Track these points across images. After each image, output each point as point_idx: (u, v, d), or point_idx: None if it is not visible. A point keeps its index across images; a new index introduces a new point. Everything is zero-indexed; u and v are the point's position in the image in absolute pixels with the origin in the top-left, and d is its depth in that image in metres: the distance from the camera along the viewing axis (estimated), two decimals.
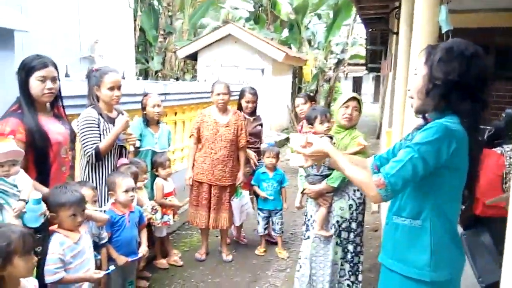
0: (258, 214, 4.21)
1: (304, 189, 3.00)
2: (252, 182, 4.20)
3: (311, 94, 4.41)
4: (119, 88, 2.82)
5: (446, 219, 1.49)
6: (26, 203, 1.91)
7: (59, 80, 2.27)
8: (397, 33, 5.88)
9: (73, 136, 2.39)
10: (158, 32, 14.50)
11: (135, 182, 2.93)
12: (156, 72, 14.55)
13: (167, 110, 4.66)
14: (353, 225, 2.85)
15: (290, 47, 15.97)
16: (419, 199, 1.50)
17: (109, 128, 2.80)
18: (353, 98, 2.85)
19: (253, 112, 4.32)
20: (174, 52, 13.72)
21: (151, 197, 3.63)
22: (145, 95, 3.64)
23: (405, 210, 1.53)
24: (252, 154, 4.21)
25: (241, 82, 7.90)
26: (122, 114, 3.01)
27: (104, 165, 2.81)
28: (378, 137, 11.49)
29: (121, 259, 2.58)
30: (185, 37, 14.80)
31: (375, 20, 7.65)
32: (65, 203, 2.05)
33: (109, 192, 2.69)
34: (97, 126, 2.73)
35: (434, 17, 2.49)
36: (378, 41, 10.68)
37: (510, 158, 2.20)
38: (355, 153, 2.76)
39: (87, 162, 2.73)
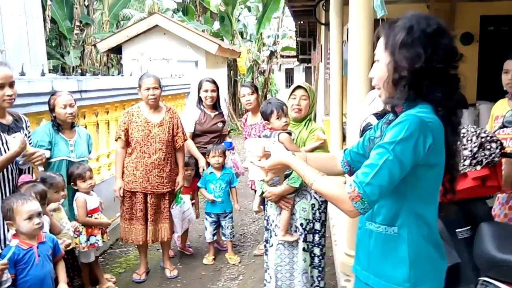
0: (206, 219, 3.80)
1: (263, 192, 2.69)
2: (198, 184, 3.79)
3: (255, 85, 4.01)
4: (11, 85, 2.18)
5: (424, 223, 1.32)
6: None
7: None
8: (326, 24, 5.92)
9: None
10: (73, 23, 13.14)
11: (44, 204, 2.32)
12: (75, 67, 13.22)
13: (85, 110, 3.97)
14: (317, 225, 2.65)
15: (222, 39, 15.61)
16: (393, 202, 1.32)
17: (1, 138, 2.14)
18: (299, 87, 2.67)
19: (214, 107, 3.87)
20: (94, 45, 12.54)
21: (72, 217, 3.00)
22: (53, 94, 2.98)
23: (379, 216, 1.34)
24: (201, 158, 3.75)
25: (173, 75, 7.28)
26: (20, 120, 2.35)
27: (0, 187, 2.15)
28: None
29: None
30: (106, 29, 13.65)
31: (303, 12, 7.80)
32: None
33: (7, 223, 2.05)
34: None
35: (369, 2, 2.40)
36: (307, 32, 10.87)
37: None
38: (315, 149, 2.55)
39: None
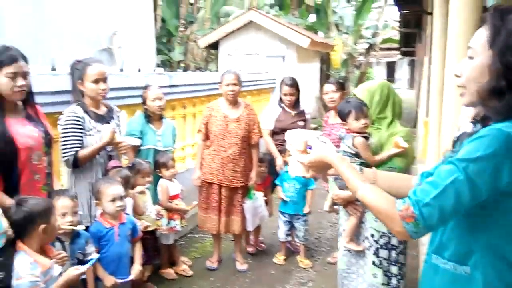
0: (279, 217, 3.77)
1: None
2: (276, 182, 3.77)
3: (341, 81, 3.84)
4: (105, 80, 2.47)
5: (507, 267, 1.05)
6: None
7: (29, 75, 1.95)
8: (431, 14, 5.35)
9: (48, 139, 2.06)
10: (179, 21, 14.20)
11: (127, 188, 2.59)
12: (179, 62, 14.31)
13: (174, 103, 4.31)
14: (394, 241, 2.33)
15: (316, 33, 15.36)
16: (467, 236, 1.08)
17: (96, 127, 2.46)
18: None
19: (295, 106, 3.85)
20: (196, 41, 13.40)
21: (156, 200, 3.29)
22: (145, 88, 3.28)
23: (448, 249, 1.11)
24: (278, 157, 3.71)
25: (260, 71, 7.45)
26: (112, 111, 2.66)
27: (92, 170, 2.48)
28: (414, 126, 10.85)
29: (109, 279, 2.25)
30: (207, 26, 14.45)
31: (408, 1, 7.09)
32: (32, 215, 1.72)
33: (95, 202, 2.35)
34: (81, 126, 2.40)
35: None
36: (412, 23, 10.01)
37: None
38: (393, 156, 2.30)
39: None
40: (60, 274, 1.81)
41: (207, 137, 3.52)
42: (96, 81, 2.42)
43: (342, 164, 1.23)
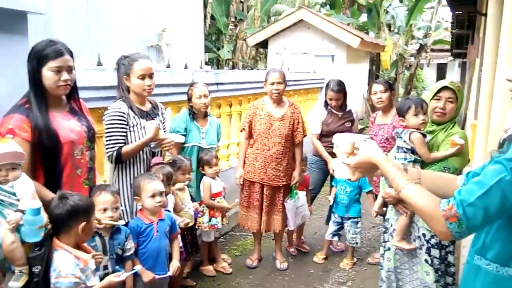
0: (330, 217, 3.77)
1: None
2: (332, 183, 3.76)
3: (390, 82, 3.70)
4: (151, 76, 2.47)
5: None
6: (24, 213, 1.63)
7: (74, 69, 1.96)
8: (485, 15, 5.10)
9: (91, 133, 2.08)
10: (229, 19, 14.32)
11: (169, 184, 2.60)
12: (227, 60, 14.44)
13: (220, 101, 4.31)
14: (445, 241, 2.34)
15: (367, 33, 14.94)
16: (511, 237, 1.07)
17: (140, 123, 2.48)
18: (446, 88, 2.34)
19: (341, 107, 3.79)
20: (245, 40, 13.46)
21: (198, 198, 3.30)
22: (191, 85, 3.29)
23: (492, 251, 1.12)
24: (330, 159, 3.63)
25: (308, 70, 7.30)
26: (157, 108, 2.67)
27: (135, 166, 2.50)
28: (462, 128, 10.28)
29: (147, 275, 2.26)
30: (257, 24, 14.47)
31: (463, 1, 6.87)
32: (75, 212, 1.74)
33: (134, 198, 2.37)
34: (125, 122, 2.43)
35: None
36: (465, 24, 9.57)
37: None
38: (450, 156, 2.28)
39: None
40: (97, 268, 1.83)
41: (250, 135, 3.49)
42: (142, 77, 2.44)
43: (387, 164, 1.23)
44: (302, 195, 3.63)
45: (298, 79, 6.25)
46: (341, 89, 3.71)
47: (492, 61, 3.80)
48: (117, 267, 2.11)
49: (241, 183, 3.53)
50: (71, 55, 1.94)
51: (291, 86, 5.53)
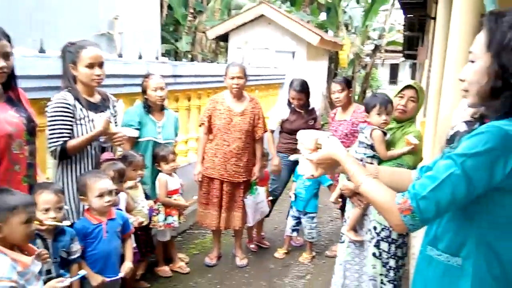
0: (289, 211, 3.80)
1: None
2: (293, 178, 3.78)
3: (348, 79, 3.75)
4: (100, 65, 2.29)
5: (497, 261, 1.09)
6: None
7: (12, 56, 1.76)
8: (434, 18, 5.41)
9: (31, 126, 1.88)
10: (187, 10, 13.97)
11: (121, 182, 2.43)
12: (185, 53, 14.10)
13: (178, 94, 4.14)
14: (394, 235, 2.41)
15: (326, 31, 15.19)
16: (461, 228, 1.12)
17: (88, 116, 2.29)
18: (409, 87, 2.48)
19: (304, 106, 3.77)
20: (204, 32, 13.21)
21: (154, 196, 3.14)
22: (146, 76, 3.11)
23: (443, 241, 1.16)
24: (276, 159, 3.70)
25: (268, 65, 7.26)
26: (108, 100, 2.48)
27: (82, 162, 2.31)
28: None
29: (95, 278, 2.10)
30: (217, 17, 14.23)
31: (414, 5, 7.28)
32: (14, 206, 1.55)
33: (80, 197, 2.19)
34: (70, 114, 2.23)
35: None
36: (416, 27, 10.12)
37: None
38: (404, 154, 2.38)
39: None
40: (40, 272, 1.66)
41: (210, 130, 3.39)
42: (91, 66, 2.24)
43: (348, 160, 1.27)
44: (261, 191, 3.60)
45: (259, 74, 6.19)
46: (303, 89, 3.70)
47: (440, 62, 3.99)
48: (62, 271, 1.94)
49: (200, 179, 3.41)
50: (9, 40, 1.75)
51: (252, 81, 5.47)
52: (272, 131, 3.79)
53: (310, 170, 1.39)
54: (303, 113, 3.76)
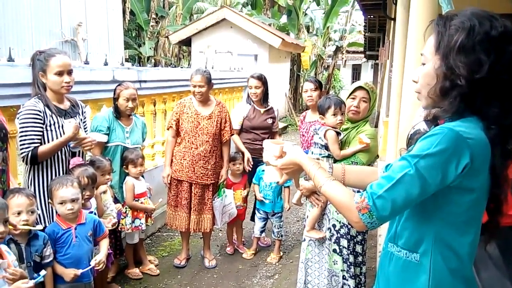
0: (255, 214, 3.85)
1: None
2: (253, 181, 3.80)
3: (320, 80, 3.89)
4: (69, 73, 2.34)
5: (453, 255, 1.14)
6: None
7: None
8: (394, 19, 5.56)
9: (3, 133, 1.91)
10: (149, 15, 13.86)
11: (93, 188, 2.48)
12: (149, 58, 13.98)
13: (144, 99, 4.19)
14: (353, 231, 2.48)
15: (288, 34, 15.49)
16: (418, 225, 1.16)
17: (57, 122, 2.33)
18: (361, 88, 2.53)
19: (263, 103, 3.85)
20: (167, 37, 13.16)
21: (122, 199, 3.19)
22: (120, 84, 3.14)
23: (401, 238, 1.20)
24: (247, 154, 3.74)
25: (232, 68, 7.40)
26: (77, 106, 2.53)
27: (53, 167, 2.35)
28: (376, 126, 11.20)
29: (68, 274, 2.13)
30: (179, 21, 14.22)
31: (373, 6, 7.46)
32: None
33: (49, 202, 2.23)
34: (40, 121, 2.27)
35: None
36: (376, 28, 10.44)
37: None
38: (357, 152, 2.45)
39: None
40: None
41: (177, 133, 3.46)
42: (60, 73, 2.29)
43: (310, 163, 1.32)
44: (229, 193, 3.65)
45: (223, 78, 6.31)
46: (261, 77, 3.79)
47: (401, 63, 4.07)
48: (35, 275, 1.97)
49: (169, 182, 3.48)
50: None
51: (216, 85, 5.53)
52: (238, 132, 3.82)
53: (275, 176, 1.46)
54: (263, 111, 3.83)
